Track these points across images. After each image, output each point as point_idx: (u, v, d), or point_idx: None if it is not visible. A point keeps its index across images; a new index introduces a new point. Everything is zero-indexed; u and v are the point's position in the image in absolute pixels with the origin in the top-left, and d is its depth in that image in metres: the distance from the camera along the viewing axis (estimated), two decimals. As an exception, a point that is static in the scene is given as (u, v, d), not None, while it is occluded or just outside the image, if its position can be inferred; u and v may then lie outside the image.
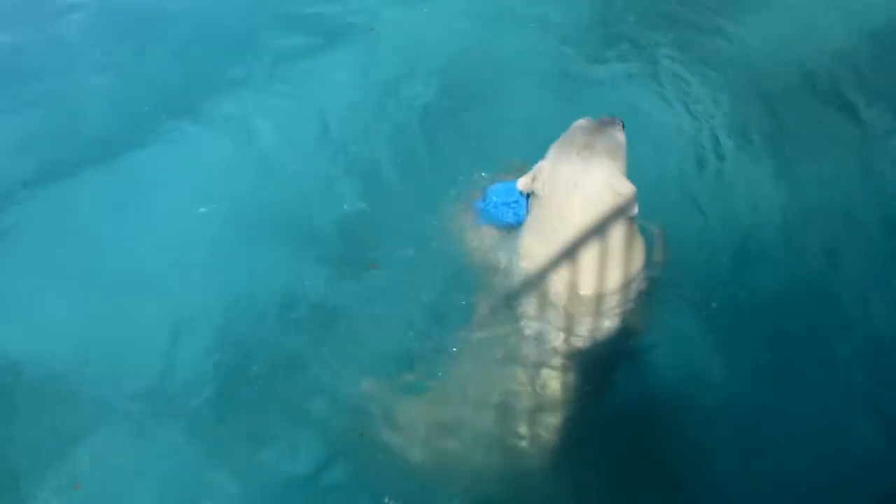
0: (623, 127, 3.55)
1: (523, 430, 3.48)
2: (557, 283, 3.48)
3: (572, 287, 3.47)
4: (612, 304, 3.50)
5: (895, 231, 4.10)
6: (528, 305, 3.58)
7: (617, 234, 3.37)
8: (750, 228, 4.16)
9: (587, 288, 3.46)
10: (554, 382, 3.48)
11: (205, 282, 4.17)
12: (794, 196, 4.29)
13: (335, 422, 3.65)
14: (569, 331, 3.50)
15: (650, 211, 3.62)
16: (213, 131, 4.96)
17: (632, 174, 3.47)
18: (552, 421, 3.47)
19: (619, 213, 3.33)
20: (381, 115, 4.95)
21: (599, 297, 3.48)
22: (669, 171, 4.42)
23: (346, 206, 4.45)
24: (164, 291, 4.15)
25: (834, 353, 3.71)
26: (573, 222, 3.33)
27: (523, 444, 3.47)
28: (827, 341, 3.74)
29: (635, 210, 3.39)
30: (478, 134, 4.70)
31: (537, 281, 3.52)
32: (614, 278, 3.47)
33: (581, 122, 3.54)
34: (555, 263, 3.43)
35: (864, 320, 3.79)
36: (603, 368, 3.56)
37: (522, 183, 3.51)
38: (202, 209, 4.46)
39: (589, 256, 3.39)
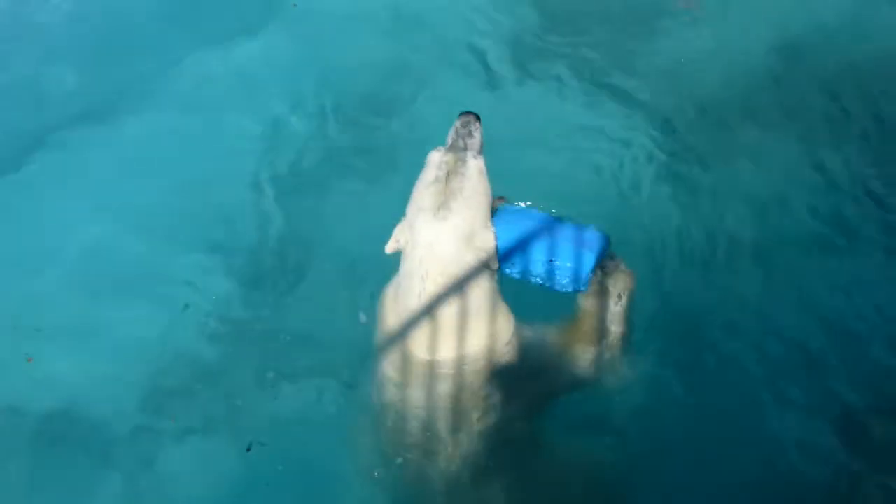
0: (480, 130, 3.26)
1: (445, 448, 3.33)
2: (413, 346, 3.26)
3: (427, 351, 3.26)
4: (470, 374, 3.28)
5: (818, 244, 4.17)
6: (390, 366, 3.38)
7: (477, 295, 3.17)
8: (674, 242, 4.15)
9: (445, 352, 3.24)
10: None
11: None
12: (719, 209, 4.31)
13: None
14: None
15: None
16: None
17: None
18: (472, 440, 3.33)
19: (480, 269, 3.15)
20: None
21: (456, 363, 3.27)
22: (599, 186, 4.41)
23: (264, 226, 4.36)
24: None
25: (768, 365, 3.73)
26: (428, 289, 3.12)
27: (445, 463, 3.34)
28: (761, 355, 3.76)
29: (496, 264, 3.22)
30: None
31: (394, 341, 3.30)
32: (473, 344, 3.24)
33: (434, 160, 3.21)
34: (409, 326, 3.22)
35: (797, 330, 3.83)
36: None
37: (390, 248, 3.25)
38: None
39: (446, 320, 3.17)
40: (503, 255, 3.30)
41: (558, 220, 3.41)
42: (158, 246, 4.28)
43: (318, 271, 4.12)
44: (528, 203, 3.53)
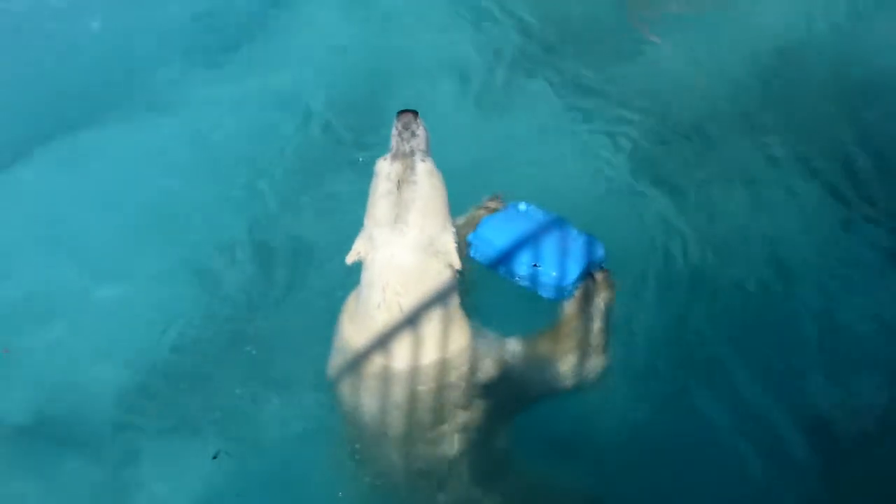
0: (422, 126, 3.12)
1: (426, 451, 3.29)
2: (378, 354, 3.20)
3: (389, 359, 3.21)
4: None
5: (805, 256, 4.15)
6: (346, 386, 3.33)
7: (439, 298, 3.12)
8: (659, 258, 4.12)
9: (410, 358, 3.19)
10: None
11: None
12: (705, 222, 4.29)
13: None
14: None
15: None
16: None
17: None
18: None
19: (441, 273, 3.11)
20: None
21: (421, 368, 3.21)
22: (582, 198, 4.33)
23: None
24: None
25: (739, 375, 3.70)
26: (388, 299, 3.09)
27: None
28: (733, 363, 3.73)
29: (458, 264, 3.14)
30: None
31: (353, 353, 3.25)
32: (434, 348, 3.20)
33: (383, 170, 3.11)
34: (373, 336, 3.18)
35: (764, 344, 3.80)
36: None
37: (350, 259, 3.18)
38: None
39: (410, 326, 3.13)
40: (493, 256, 3.32)
41: (558, 224, 3.41)
42: (144, 249, 4.27)
43: (301, 285, 4.08)
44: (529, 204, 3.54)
